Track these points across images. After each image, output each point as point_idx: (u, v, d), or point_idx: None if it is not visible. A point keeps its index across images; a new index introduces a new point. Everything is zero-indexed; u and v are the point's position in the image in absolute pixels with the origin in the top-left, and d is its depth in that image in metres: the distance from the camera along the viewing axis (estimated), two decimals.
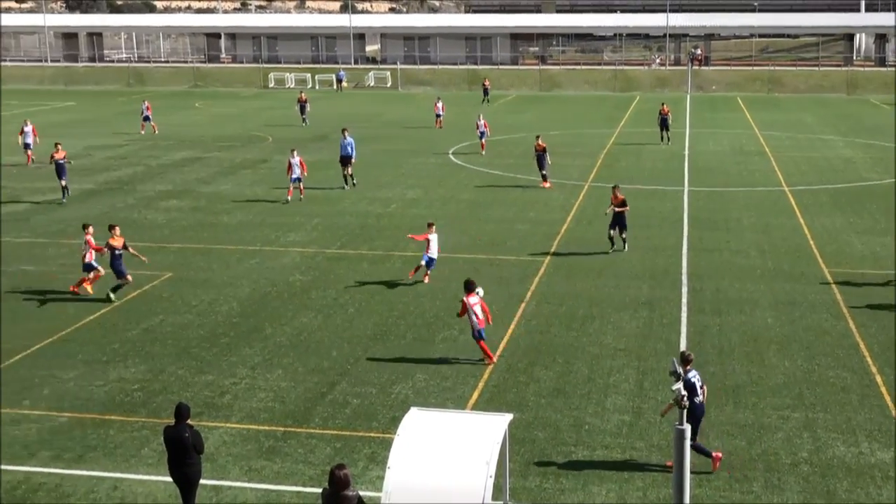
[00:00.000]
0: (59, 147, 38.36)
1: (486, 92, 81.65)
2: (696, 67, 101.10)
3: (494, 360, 20.73)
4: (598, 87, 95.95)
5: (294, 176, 37.31)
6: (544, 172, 40.79)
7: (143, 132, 59.01)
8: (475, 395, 19.06)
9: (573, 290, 26.04)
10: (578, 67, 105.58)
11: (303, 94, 66.24)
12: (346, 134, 41.38)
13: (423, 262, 26.49)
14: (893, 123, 66.19)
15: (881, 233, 32.60)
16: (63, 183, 38.05)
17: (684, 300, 25.20)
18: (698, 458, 15.69)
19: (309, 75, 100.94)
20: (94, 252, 25.41)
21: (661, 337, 22.43)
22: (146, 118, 59.63)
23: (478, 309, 20.40)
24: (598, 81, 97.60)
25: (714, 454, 16.08)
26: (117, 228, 25.73)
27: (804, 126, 65.03)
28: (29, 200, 38.20)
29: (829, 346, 21.75)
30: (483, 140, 50.60)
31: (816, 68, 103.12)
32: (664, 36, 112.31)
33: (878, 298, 25.25)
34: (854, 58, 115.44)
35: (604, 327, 23.08)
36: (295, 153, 37.56)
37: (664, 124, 54.11)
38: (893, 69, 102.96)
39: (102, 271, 25.52)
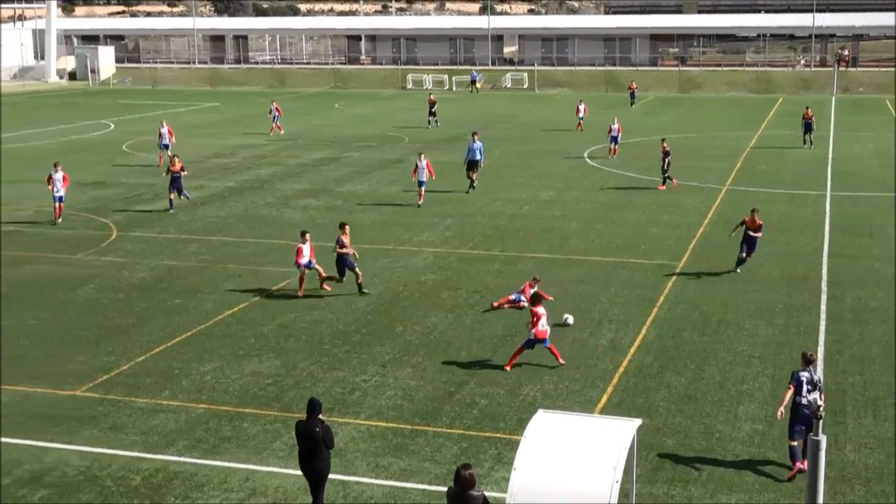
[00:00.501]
0: (177, 160, 37.03)
1: (632, 95, 79.86)
2: (843, 69, 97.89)
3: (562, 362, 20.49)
4: (739, 88, 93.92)
5: (421, 179, 37.20)
6: (666, 175, 40.24)
7: (271, 133, 60.15)
8: (604, 399, 18.90)
9: (707, 295, 25.57)
10: (719, 69, 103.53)
11: (432, 96, 66.53)
12: (476, 138, 40.81)
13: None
14: None
15: None
16: (171, 196, 36.83)
17: (823, 308, 24.47)
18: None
19: (446, 76, 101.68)
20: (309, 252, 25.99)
21: (797, 345, 21.81)
22: (274, 118, 60.68)
23: (544, 321, 20.10)
24: (738, 83, 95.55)
25: (798, 464, 15.55)
26: (347, 227, 26.08)
27: None
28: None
29: None
30: (615, 145, 49.50)
31: None
32: (809, 36, 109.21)
33: None
34: None
35: (738, 334, 22.59)
36: (423, 156, 37.61)
37: (808, 128, 52.58)
38: None
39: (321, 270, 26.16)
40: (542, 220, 35.01)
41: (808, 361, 15.51)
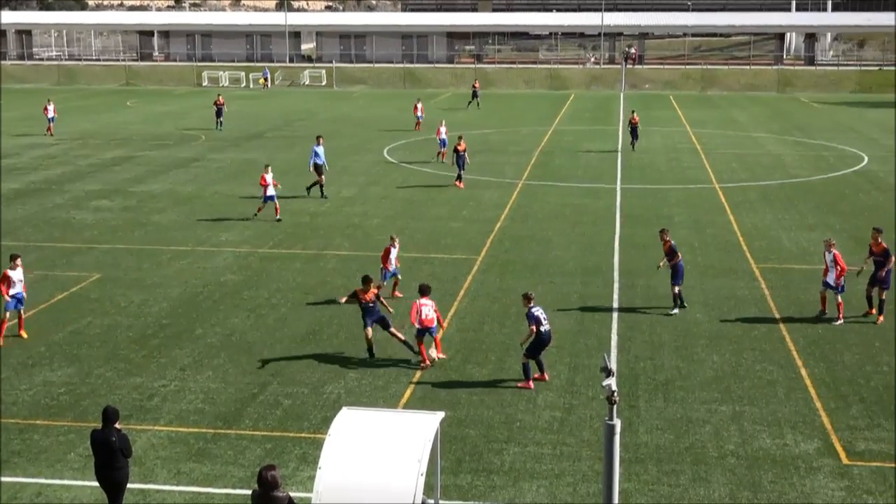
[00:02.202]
0: None
1: (475, 94, 76.11)
2: (630, 66, 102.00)
3: (428, 364, 20.55)
4: (534, 85, 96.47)
5: (269, 194, 34.17)
6: (461, 173, 40.68)
7: (49, 134, 57.29)
8: (407, 394, 19.06)
9: (506, 287, 26.15)
10: (514, 66, 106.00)
11: (220, 98, 62.27)
12: (321, 141, 38.89)
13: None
14: (822, 121, 67.52)
15: (808, 228, 33.20)
16: None
17: (615, 297, 25.43)
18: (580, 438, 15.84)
19: (243, 73, 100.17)
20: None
21: (592, 333, 22.62)
22: (51, 119, 57.85)
23: (426, 310, 20.22)
24: (533, 80, 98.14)
25: (536, 376, 19.34)
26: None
27: (736, 124, 65.99)
28: None
29: (756, 341, 22.10)
30: (443, 148, 47.29)
31: (748, 67, 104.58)
32: (599, 35, 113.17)
33: (803, 293, 25.71)
34: (784, 56, 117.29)
35: None
36: (269, 169, 34.76)
37: (634, 132, 51.29)
38: (823, 68, 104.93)
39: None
40: (344, 217, 35.00)
41: (529, 299, 19.66)
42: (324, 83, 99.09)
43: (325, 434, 12.53)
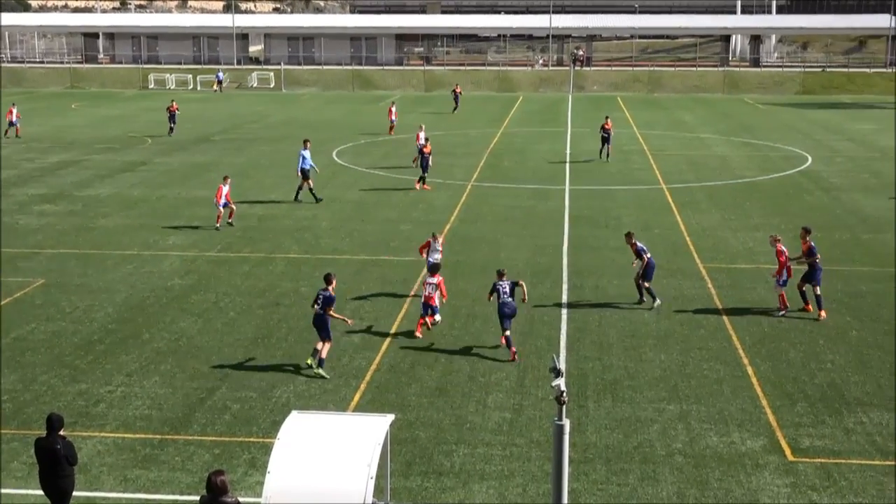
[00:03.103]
0: None
1: (456, 99, 74.13)
2: (578, 68, 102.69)
3: (420, 334, 22.47)
4: (483, 87, 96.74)
5: (223, 202, 33.52)
6: (425, 175, 40.70)
7: (7, 136, 56.66)
8: (357, 397, 19.03)
9: (456, 289, 26.16)
10: (463, 68, 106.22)
11: (174, 104, 60.54)
12: (308, 145, 38.60)
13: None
14: (767, 122, 68.41)
15: (754, 228, 33.61)
16: None
17: (565, 298, 25.57)
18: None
19: (190, 76, 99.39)
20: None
21: (541, 334, 22.73)
22: (11, 123, 57.08)
23: (431, 289, 22.65)
24: (482, 82, 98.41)
25: (513, 349, 20.97)
26: None
27: (682, 125, 66.66)
28: None
29: (703, 339, 22.34)
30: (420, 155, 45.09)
31: (694, 69, 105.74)
32: (547, 37, 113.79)
33: (749, 292, 26.04)
34: (730, 58, 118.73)
35: (486, 326, 23.25)
36: (228, 180, 34.20)
37: (606, 139, 48.34)
38: (767, 69, 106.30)
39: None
40: (294, 220, 34.85)
41: (501, 275, 21.79)
42: (272, 85, 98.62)
43: (274, 438, 12.48)
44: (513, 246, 30.68)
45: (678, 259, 29.51)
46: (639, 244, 24.99)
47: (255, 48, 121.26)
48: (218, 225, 33.21)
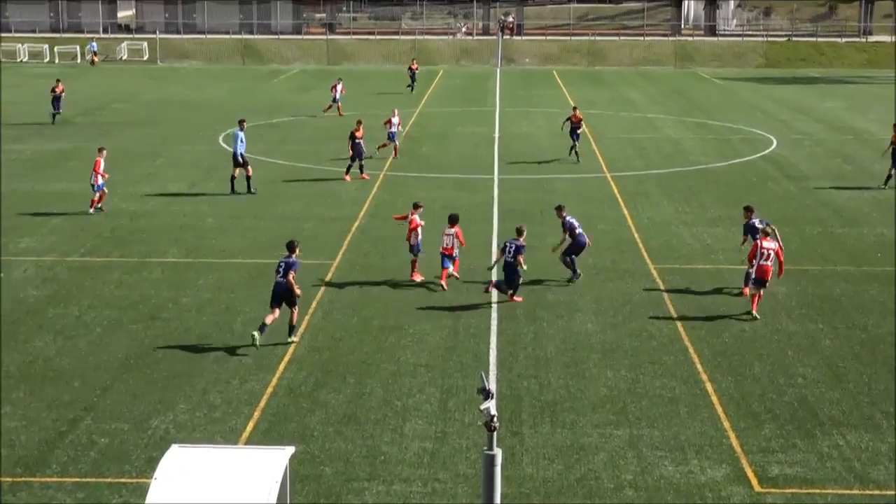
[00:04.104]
0: None
1: (413, 77, 72.38)
2: (507, 37, 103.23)
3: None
4: (396, 60, 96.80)
5: (100, 183, 34.50)
6: (362, 163, 40.68)
7: None
8: (250, 427, 18.86)
9: (366, 297, 26.10)
10: (372, 38, 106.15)
11: (60, 84, 57.51)
12: (244, 125, 38.75)
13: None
14: (726, 100, 69.55)
15: (712, 223, 34.10)
16: None
17: (494, 306, 25.64)
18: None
19: (46, 46, 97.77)
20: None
21: (468, 349, 22.75)
22: None
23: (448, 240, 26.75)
24: (395, 54, 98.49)
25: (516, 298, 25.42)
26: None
27: (629, 104, 67.47)
28: None
29: (655, 353, 22.57)
30: (396, 141, 45.86)
31: (642, 38, 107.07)
32: (471, 1, 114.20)
33: (708, 297, 26.38)
34: (682, 26, 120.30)
35: (402, 340, 23.22)
36: (104, 152, 34.90)
37: (574, 134, 44.95)
38: (725, 39, 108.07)
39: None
40: (172, 217, 34.48)
41: (520, 233, 25.97)
42: (146, 58, 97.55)
43: (150, 478, 12.30)
44: (434, 245, 30.64)
45: (625, 259, 29.79)
46: (569, 218, 27.51)
47: (124, 13, 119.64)
48: (91, 210, 33.68)
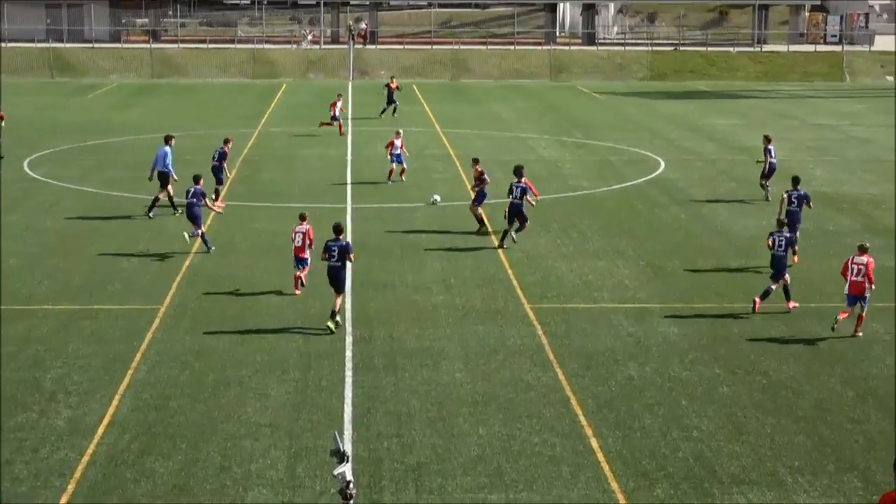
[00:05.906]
0: None
1: (391, 97, 68.35)
2: (360, 46, 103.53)
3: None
4: (232, 72, 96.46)
5: None
6: (218, 188, 40.83)
7: None
8: (63, 501, 18.44)
9: (200, 347, 25.78)
10: (204, 46, 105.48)
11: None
12: (172, 141, 40.17)
13: None
14: (607, 117, 70.67)
15: (593, 255, 34.54)
16: None
17: (348, 354, 25.56)
18: None
19: None
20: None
21: (318, 405, 22.60)
22: None
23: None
24: (231, 65, 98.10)
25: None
26: None
27: (498, 121, 68.16)
28: None
29: (533, 405, 22.70)
30: (405, 164, 46.53)
31: (512, 47, 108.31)
32: (317, 4, 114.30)
33: (591, 341, 26.66)
34: (558, 34, 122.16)
35: (243, 396, 22.98)
36: None
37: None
38: (606, 48, 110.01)
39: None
40: None
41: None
42: None
43: None
44: (277, 286, 30.49)
45: (497, 298, 29.97)
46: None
47: None
48: None
